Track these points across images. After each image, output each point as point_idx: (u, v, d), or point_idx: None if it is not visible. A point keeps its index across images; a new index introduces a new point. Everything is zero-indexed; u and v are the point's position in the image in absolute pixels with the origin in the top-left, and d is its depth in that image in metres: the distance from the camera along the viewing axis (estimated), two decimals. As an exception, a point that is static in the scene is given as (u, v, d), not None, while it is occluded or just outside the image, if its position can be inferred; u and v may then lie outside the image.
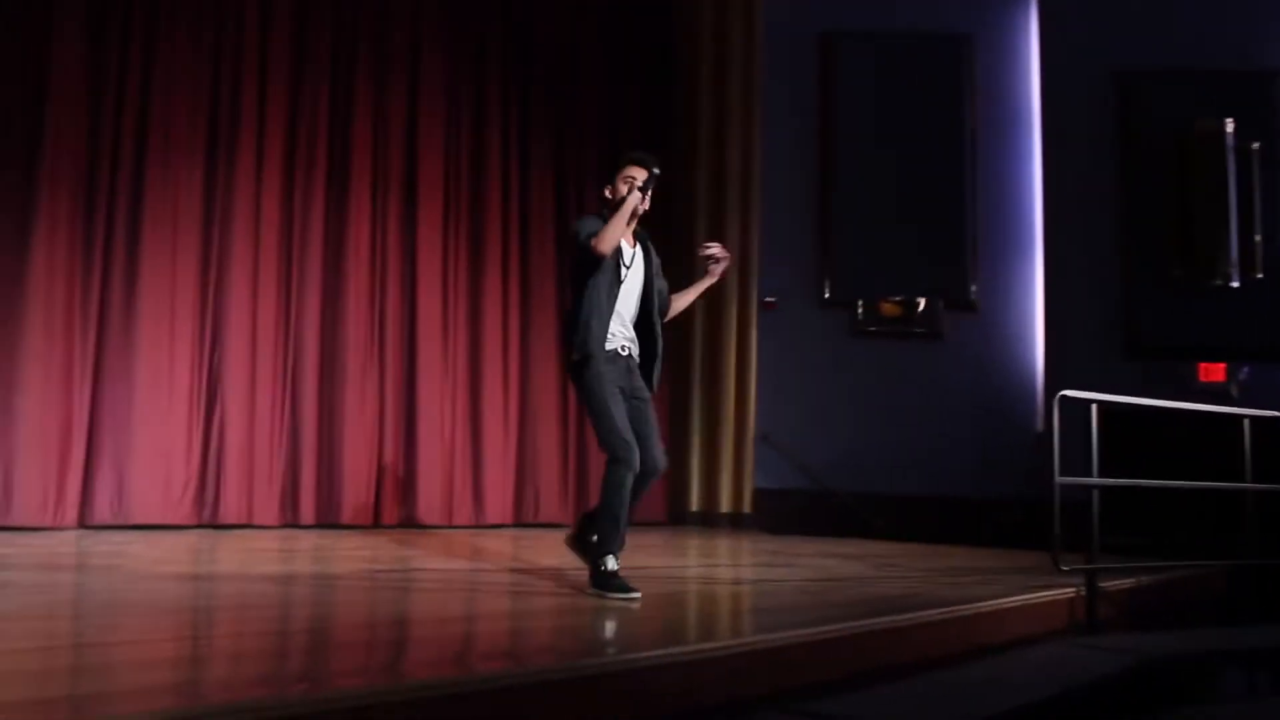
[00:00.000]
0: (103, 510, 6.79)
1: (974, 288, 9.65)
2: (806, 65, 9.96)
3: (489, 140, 8.82)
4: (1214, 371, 9.14)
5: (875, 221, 9.69)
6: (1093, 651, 4.28)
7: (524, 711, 2.53)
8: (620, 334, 4.48)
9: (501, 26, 9.03)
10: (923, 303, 9.62)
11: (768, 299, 9.71)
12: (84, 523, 6.74)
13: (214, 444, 7.26)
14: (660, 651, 2.94)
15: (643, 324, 4.57)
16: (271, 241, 7.59)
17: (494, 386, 8.62)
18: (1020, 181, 9.81)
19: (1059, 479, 4.72)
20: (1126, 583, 5.30)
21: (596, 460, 9.18)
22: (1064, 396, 4.87)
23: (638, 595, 4.04)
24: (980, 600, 4.21)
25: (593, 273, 4.42)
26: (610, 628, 3.57)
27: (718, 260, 4.58)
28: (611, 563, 4.17)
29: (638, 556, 6.41)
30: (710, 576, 5.59)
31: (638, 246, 4.60)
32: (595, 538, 4.29)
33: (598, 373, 4.33)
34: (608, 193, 4.60)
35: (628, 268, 4.50)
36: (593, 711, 2.69)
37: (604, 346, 4.38)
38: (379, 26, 8.29)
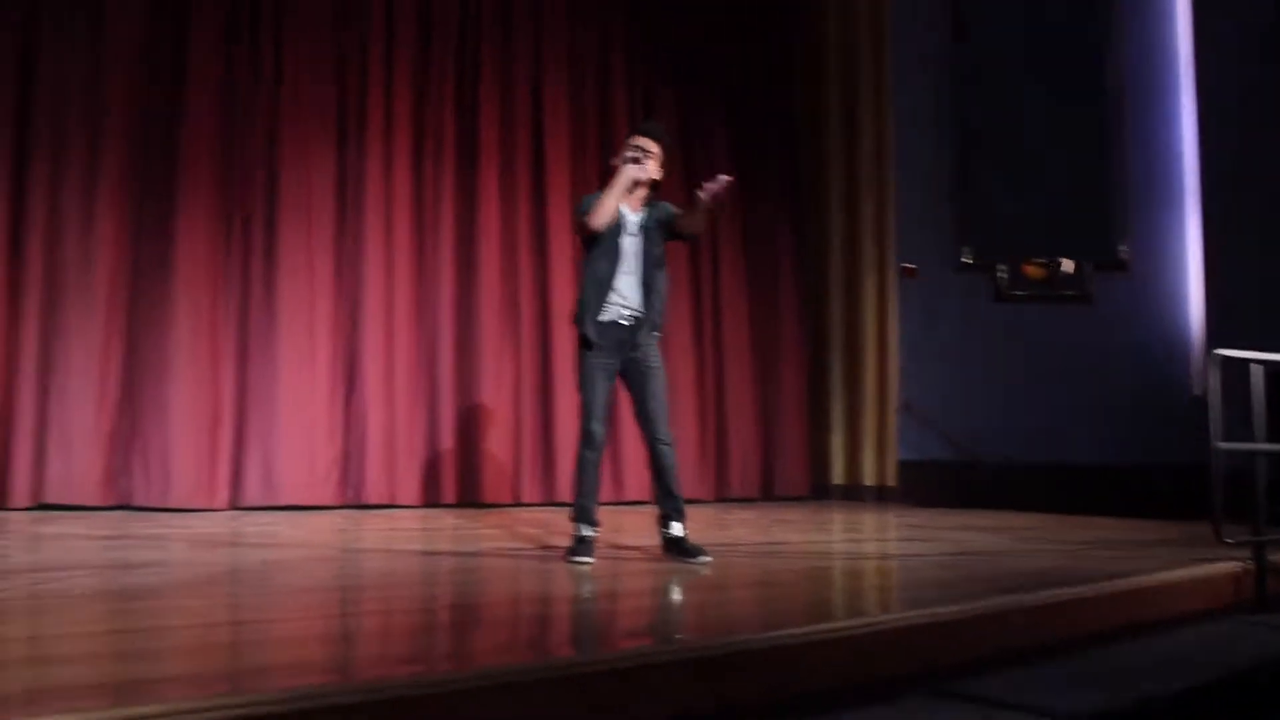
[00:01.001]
0: (252, 491, 7.00)
1: (1124, 246, 9.22)
2: (940, 15, 9.62)
3: (615, 115, 8.78)
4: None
5: (1017, 179, 9.33)
6: (1264, 630, 4.02)
7: (666, 688, 2.49)
8: (619, 303, 4.52)
9: (627, 14, 8.99)
10: (1069, 264, 9.24)
11: (906, 265, 9.43)
12: (235, 504, 6.95)
13: (355, 425, 7.41)
14: (805, 629, 2.86)
15: (644, 281, 4.60)
16: (404, 224, 7.70)
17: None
18: (1172, 131, 9.32)
19: (1218, 444, 4.45)
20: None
21: (737, 432, 9.14)
22: (1222, 356, 4.57)
23: (590, 562, 4.28)
24: (1136, 574, 3.99)
25: (594, 245, 4.53)
26: (752, 606, 3.50)
27: (709, 184, 4.44)
28: (585, 530, 4.43)
29: (778, 530, 6.33)
30: (854, 552, 5.45)
31: (644, 211, 4.63)
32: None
33: (589, 352, 4.47)
34: (614, 162, 4.66)
35: (632, 236, 4.56)
36: (736, 688, 2.63)
37: (599, 320, 4.47)
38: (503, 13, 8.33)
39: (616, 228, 4.52)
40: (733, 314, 9.27)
